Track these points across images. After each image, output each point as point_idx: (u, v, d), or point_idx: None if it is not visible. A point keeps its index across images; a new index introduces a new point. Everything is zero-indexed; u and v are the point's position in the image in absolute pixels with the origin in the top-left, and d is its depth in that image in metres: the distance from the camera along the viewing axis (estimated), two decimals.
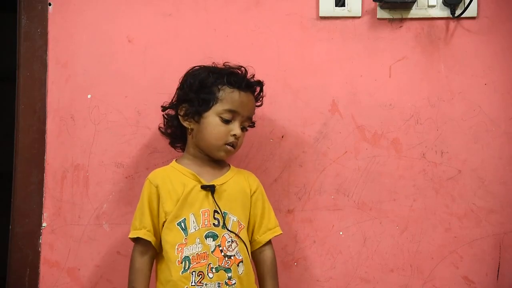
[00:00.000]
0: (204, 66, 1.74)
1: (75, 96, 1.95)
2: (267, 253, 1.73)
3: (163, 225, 1.65)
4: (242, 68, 1.74)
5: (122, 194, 1.93)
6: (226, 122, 1.66)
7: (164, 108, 1.77)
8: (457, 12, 1.95)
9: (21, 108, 1.94)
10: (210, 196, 1.65)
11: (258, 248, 1.73)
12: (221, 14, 1.97)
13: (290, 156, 1.95)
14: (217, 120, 1.66)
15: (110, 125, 1.94)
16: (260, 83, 1.76)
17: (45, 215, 1.93)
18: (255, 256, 1.74)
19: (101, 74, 1.96)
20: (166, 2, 1.97)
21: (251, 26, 1.97)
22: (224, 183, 1.68)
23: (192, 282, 1.59)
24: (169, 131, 1.78)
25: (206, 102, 1.67)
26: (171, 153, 1.91)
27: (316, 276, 1.94)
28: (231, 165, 1.76)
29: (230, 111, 1.66)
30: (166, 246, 1.64)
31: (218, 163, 1.73)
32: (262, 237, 1.72)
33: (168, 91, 1.93)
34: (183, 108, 1.71)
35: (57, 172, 1.93)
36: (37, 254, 1.92)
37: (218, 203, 1.64)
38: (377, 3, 1.95)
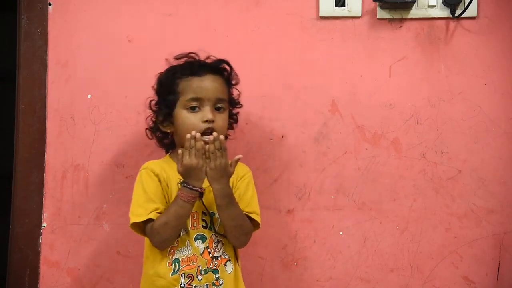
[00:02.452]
0: (167, 68, 1.72)
1: (75, 96, 1.95)
2: None
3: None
4: (192, 54, 1.72)
5: (122, 194, 1.93)
6: (194, 110, 1.63)
7: (151, 128, 1.74)
8: (457, 12, 1.94)
9: (21, 108, 1.94)
10: (199, 199, 1.62)
11: None
12: (221, 14, 1.97)
13: (290, 156, 1.95)
14: (185, 113, 1.64)
15: (110, 125, 1.94)
16: (219, 62, 1.71)
17: (45, 215, 1.93)
18: None
19: (101, 74, 1.96)
20: (166, 2, 1.97)
21: (251, 26, 1.97)
22: None
23: (181, 284, 1.60)
24: (157, 141, 1.75)
25: (171, 101, 1.66)
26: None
27: (316, 276, 1.94)
28: None
29: (193, 99, 1.63)
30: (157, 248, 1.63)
31: None
32: None
33: None
34: (158, 116, 1.70)
35: (57, 172, 1.93)
36: (37, 254, 1.92)
37: (206, 204, 1.62)
38: (377, 3, 1.95)
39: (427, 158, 1.95)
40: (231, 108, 1.74)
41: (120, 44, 1.96)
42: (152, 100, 1.73)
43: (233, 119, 1.77)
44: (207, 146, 1.55)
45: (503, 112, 1.95)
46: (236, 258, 1.67)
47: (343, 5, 1.95)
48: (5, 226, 1.96)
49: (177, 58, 1.72)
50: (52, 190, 1.93)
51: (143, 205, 1.61)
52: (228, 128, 1.75)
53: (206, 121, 1.62)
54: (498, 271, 1.94)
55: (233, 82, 1.75)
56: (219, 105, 1.66)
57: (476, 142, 1.95)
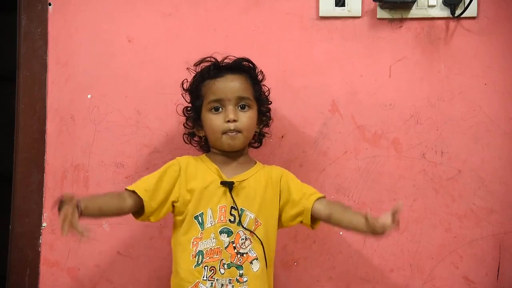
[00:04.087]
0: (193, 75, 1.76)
1: (75, 96, 1.95)
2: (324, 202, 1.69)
3: (172, 206, 1.65)
4: (210, 58, 1.74)
5: None
6: (217, 111, 1.66)
7: (189, 133, 1.78)
8: (457, 12, 1.95)
9: (21, 108, 1.94)
10: (228, 192, 1.65)
11: (313, 215, 1.68)
12: (221, 14, 1.97)
13: (290, 156, 1.95)
14: (209, 115, 1.67)
15: (110, 125, 1.94)
16: (239, 60, 1.73)
17: (45, 215, 1.93)
18: (320, 215, 1.68)
19: (101, 74, 1.96)
20: (166, 2, 1.97)
21: (251, 26, 1.97)
22: (245, 180, 1.67)
23: (204, 277, 1.60)
24: (194, 143, 1.79)
25: (198, 105, 1.71)
26: (171, 153, 1.91)
27: (316, 276, 1.94)
28: (257, 162, 1.75)
29: (214, 100, 1.66)
30: (182, 239, 1.64)
31: (243, 159, 1.72)
32: (309, 200, 1.67)
33: (168, 91, 1.93)
34: (187, 121, 1.76)
35: (57, 172, 1.93)
36: (37, 254, 1.92)
37: (236, 200, 1.64)
38: (377, 3, 1.95)
39: (427, 158, 1.95)
40: (262, 107, 1.75)
41: (120, 44, 1.96)
42: (186, 106, 1.77)
43: (265, 116, 1.78)
44: None
45: (503, 112, 1.95)
46: (266, 259, 1.65)
47: (343, 5, 1.96)
48: (5, 226, 1.96)
49: (195, 64, 1.75)
50: (52, 190, 1.93)
51: (144, 180, 1.66)
52: (263, 126, 1.78)
53: (228, 120, 1.64)
54: (498, 271, 1.94)
55: (259, 78, 1.76)
56: (242, 103, 1.67)
57: (476, 142, 1.95)
